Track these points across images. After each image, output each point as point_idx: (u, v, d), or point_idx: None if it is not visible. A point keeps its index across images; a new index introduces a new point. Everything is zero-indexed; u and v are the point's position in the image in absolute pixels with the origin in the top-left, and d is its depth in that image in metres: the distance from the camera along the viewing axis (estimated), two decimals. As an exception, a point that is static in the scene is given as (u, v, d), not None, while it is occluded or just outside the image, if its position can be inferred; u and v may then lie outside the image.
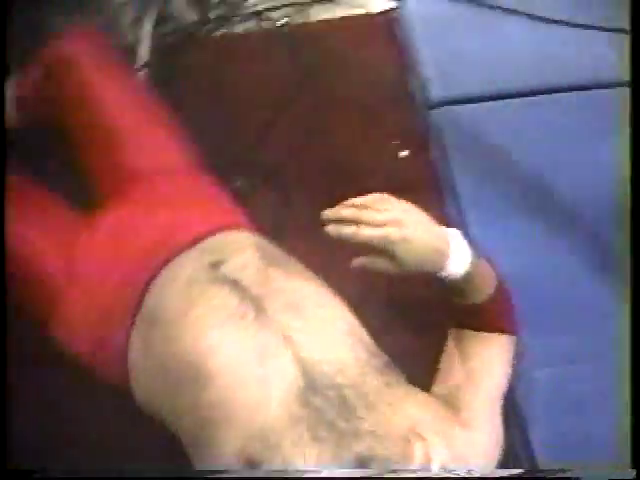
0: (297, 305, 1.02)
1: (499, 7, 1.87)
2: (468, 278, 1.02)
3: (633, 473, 0.89)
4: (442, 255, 0.99)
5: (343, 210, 0.98)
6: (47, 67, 1.37)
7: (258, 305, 1.00)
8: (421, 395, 1.01)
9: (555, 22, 1.84)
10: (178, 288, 1.06)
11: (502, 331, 1.09)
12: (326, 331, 1.01)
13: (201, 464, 0.98)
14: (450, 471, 0.90)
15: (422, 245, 0.97)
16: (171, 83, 1.71)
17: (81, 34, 1.42)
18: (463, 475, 0.91)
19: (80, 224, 1.24)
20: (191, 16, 1.95)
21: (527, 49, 1.84)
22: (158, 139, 1.35)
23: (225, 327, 0.98)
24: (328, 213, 0.99)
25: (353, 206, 0.98)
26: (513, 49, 1.84)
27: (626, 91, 1.52)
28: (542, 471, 1.16)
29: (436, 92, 1.73)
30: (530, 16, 1.84)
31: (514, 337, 1.11)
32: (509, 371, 1.09)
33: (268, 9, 1.96)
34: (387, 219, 0.96)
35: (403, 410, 0.94)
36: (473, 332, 1.09)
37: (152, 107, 1.41)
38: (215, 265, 1.06)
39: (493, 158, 1.62)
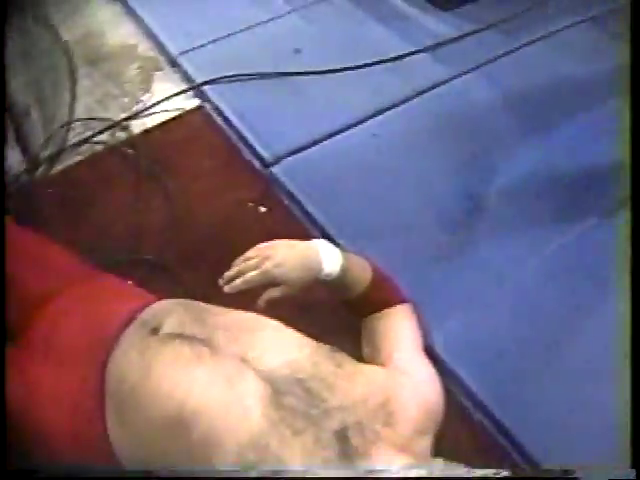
0: (240, 332, 1.18)
1: (295, 72, 2.20)
2: (346, 271, 1.26)
3: (633, 473, 0.93)
4: (315, 261, 1.24)
5: (229, 272, 1.22)
6: None
7: (208, 344, 1.13)
8: (367, 365, 1.20)
9: (339, 70, 2.19)
10: (132, 361, 1.15)
11: (395, 303, 1.33)
12: (272, 343, 1.17)
13: None
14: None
15: (294, 261, 1.22)
16: (37, 220, 1.78)
17: None
18: (464, 475, 0.98)
19: (13, 357, 1.25)
20: (21, 165, 2.04)
21: (323, 98, 2.16)
22: (49, 262, 1.41)
23: (188, 371, 1.10)
24: (220, 280, 1.21)
25: (235, 266, 1.23)
26: (314, 101, 2.15)
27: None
28: (542, 471, 1.24)
29: (268, 153, 1.99)
30: (322, 71, 2.18)
31: (407, 304, 1.34)
32: (418, 328, 1.31)
33: (93, 134, 2.11)
34: (260, 260, 1.21)
35: (359, 380, 1.13)
36: (376, 314, 1.32)
37: (31, 240, 1.48)
38: (155, 330, 1.18)
39: (336, 189, 1.88)
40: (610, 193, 1.79)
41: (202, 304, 1.29)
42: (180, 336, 1.15)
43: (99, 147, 2.10)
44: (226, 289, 1.20)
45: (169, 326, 1.18)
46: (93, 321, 1.26)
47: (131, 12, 2.62)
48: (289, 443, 1.01)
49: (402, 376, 1.18)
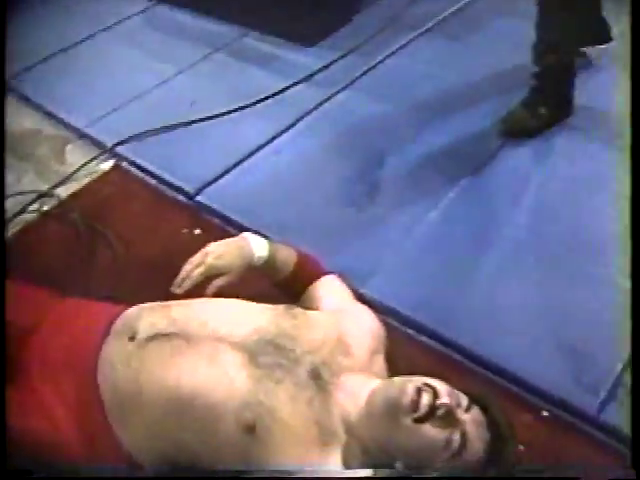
0: (207, 317, 1.34)
1: (194, 120, 2.51)
2: (274, 253, 1.51)
3: (633, 473, 0.97)
4: (248, 248, 1.48)
5: (178, 277, 1.41)
6: None
7: (184, 336, 1.29)
8: (315, 312, 1.46)
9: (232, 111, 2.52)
10: (120, 371, 1.28)
11: (321, 276, 1.58)
12: (237, 317, 1.37)
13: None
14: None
15: (231, 252, 1.46)
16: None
17: None
18: (464, 475, 1.05)
19: (22, 393, 1.35)
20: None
21: (224, 136, 2.49)
22: (24, 299, 1.51)
23: (174, 364, 1.26)
24: (172, 287, 1.42)
25: (184, 271, 1.42)
26: (217, 140, 2.47)
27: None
28: (542, 471, 1.28)
29: (189, 187, 2.28)
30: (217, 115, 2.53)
31: (332, 275, 1.60)
32: (345, 286, 1.59)
33: (26, 205, 2.29)
34: (201, 259, 1.42)
35: (314, 325, 1.37)
36: (307, 290, 1.56)
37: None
38: (132, 337, 1.31)
39: (253, 200, 2.18)
40: (480, 153, 2.25)
41: (163, 302, 1.42)
42: (156, 337, 1.29)
43: (33, 216, 2.28)
44: (178, 291, 1.40)
45: (144, 330, 1.32)
46: (76, 339, 1.38)
47: (27, 100, 2.82)
48: (275, 393, 1.21)
49: (343, 315, 1.44)
